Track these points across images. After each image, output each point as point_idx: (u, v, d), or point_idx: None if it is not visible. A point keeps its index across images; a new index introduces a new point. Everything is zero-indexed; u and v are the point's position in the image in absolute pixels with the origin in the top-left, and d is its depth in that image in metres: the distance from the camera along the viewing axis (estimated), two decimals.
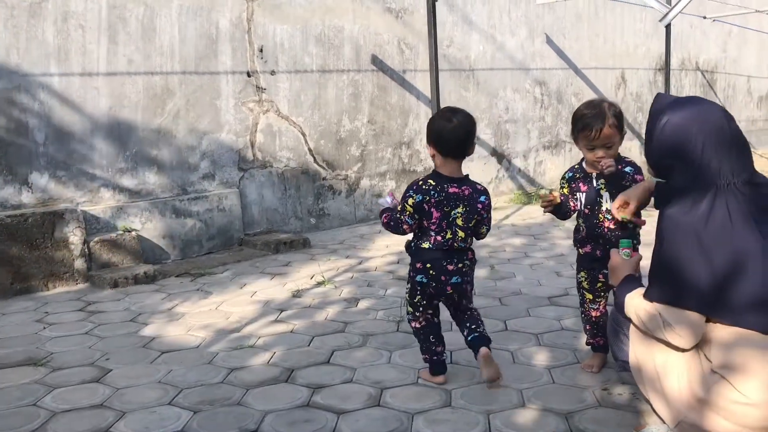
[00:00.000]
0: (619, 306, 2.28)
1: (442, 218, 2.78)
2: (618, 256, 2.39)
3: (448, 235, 2.79)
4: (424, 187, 2.78)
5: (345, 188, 7.03)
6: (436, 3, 6.17)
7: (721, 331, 1.99)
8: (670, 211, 2.04)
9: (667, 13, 8.49)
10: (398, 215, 2.84)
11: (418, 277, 2.85)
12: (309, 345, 3.51)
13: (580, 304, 3.04)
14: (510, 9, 8.65)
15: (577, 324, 3.67)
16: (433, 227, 2.79)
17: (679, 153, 2.03)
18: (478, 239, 2.94)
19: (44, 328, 3.93)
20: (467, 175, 2.88)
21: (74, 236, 4.87)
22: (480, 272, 4.91)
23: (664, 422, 2.19)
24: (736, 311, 1.94)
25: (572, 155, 10.00)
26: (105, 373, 3.19)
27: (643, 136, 11.37)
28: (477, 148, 8.39)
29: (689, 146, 2.00)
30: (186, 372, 3.17)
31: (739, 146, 2.03)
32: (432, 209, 2.77)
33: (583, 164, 2.96)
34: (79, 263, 4.91)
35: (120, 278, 4.83)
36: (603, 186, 2.86)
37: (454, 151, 2.79)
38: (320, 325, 3.83)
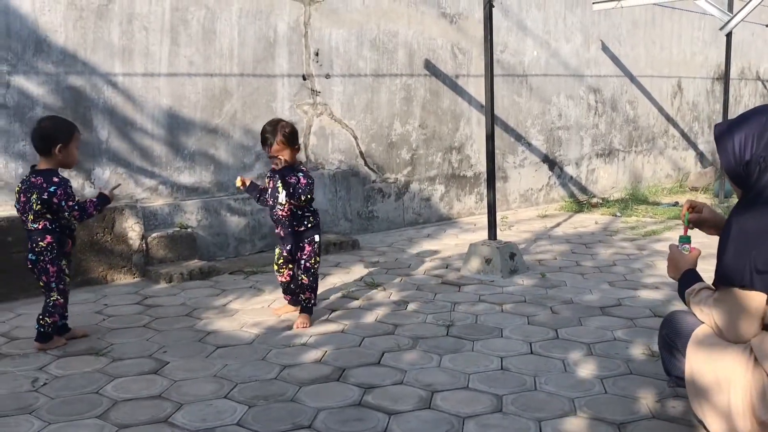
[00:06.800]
0: (682, 299, 2.38)
1: None
2: (677, 251, 2.50)
3: None
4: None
5: (394, 192, 7.06)
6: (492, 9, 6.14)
7: None
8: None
9: (728, 22, 8.30)
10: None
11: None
12: (359, 345, 3.55)
13: None
14: (565, 15, 8.58)
15: (629, 334, 3.63)
16: None
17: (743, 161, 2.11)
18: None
19: (104, 319, 4.07)
20: None
21: (133, 231, 5.02)
22: (530, 280, 4.90)
23: None
24: None
25: (626, 164, 9.86)
26: (163, 366, 3.29)
27: (698, 146, 11.03)
28: (528, 154, 8.35)
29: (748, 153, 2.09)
30: (240, 367, 3.25)
31: None
32: None
33: None
34: (137, 258, 5.05)
35: (175, 273, 4.96)
36: None
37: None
38: (370, 327, 3.87)
